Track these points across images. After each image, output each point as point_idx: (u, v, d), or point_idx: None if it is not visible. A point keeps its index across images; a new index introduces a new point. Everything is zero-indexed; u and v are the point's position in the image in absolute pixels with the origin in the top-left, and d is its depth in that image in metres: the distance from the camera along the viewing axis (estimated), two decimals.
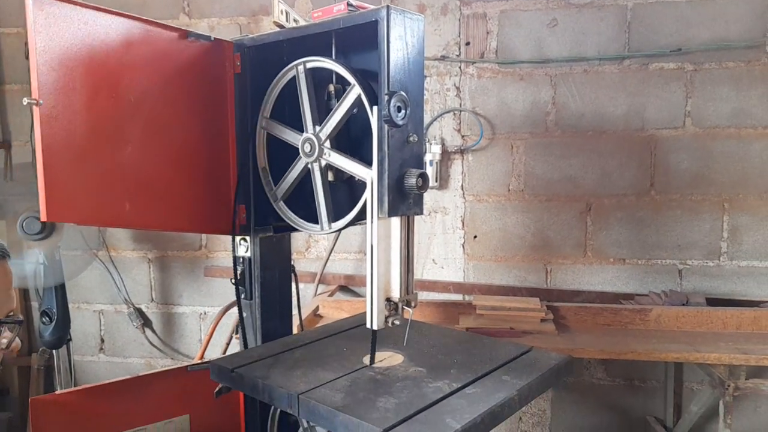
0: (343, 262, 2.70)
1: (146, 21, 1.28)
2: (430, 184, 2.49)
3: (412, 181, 1.17)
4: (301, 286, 2.71)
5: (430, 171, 2.46)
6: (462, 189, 2.56)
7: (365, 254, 2.67)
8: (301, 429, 1.31)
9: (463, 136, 2.53)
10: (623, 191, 2.46)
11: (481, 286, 2.58)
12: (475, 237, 2.58)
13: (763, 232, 2.39)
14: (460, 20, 2.49)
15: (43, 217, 1.13)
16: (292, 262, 1.63)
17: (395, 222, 1.22)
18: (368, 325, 1.24)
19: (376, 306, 1.24)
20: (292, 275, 1.64)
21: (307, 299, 2.53)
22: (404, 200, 1.20)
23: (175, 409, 1.47)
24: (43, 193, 1.11)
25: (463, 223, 2.58)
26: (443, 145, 2.51)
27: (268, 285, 1.49)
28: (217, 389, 1.32)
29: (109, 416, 1.39)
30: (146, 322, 2.87)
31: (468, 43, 2.49)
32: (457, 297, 2.57)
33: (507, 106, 2.49)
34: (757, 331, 2.05)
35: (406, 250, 1.28)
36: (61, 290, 2.23)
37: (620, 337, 2.03)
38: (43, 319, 2.21)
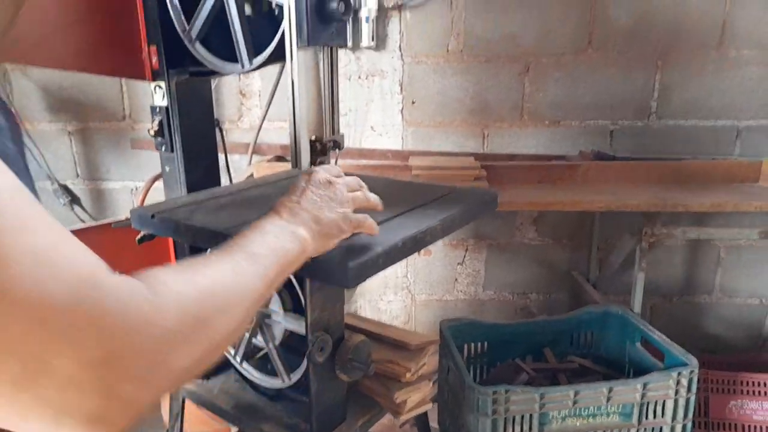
0: (279, 132, 2.60)
1: None
2: (367, 44, 2.38)
3: (333, 4, 1.08)
4: (235, 157, 2.63)
5: (366, 29, 2.32)
6: (400, 50, 2.45)
7: None
8: None
9: None
10: (562, 50, 2.42)
11: (419, 152, 2.56)
12: (414, 102, 2.53)
13: (691, 90, 2.44)
14: None
15: None
16: (220, 125, 1.55)
17: (317, 53, 1.14)
18: (293, 167, 1.21)
19: (302, 147, 1.20)
20: (218, 130, 1.56)
21: (242, 170, 2.46)
22: (326, 28, 1.12)
23: None
24: None
25: (401, 87, 2.50)
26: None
27: (190, 134, 1.41)
28: (139, 236, 1.28)
29: None
30: (74, 199, 2.74)
31: None
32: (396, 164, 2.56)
33: None
34: (677, 183, 2.16)
35: (331, 87, 1.23)
36: None
37: (549, 191, 2.09)
38: None
